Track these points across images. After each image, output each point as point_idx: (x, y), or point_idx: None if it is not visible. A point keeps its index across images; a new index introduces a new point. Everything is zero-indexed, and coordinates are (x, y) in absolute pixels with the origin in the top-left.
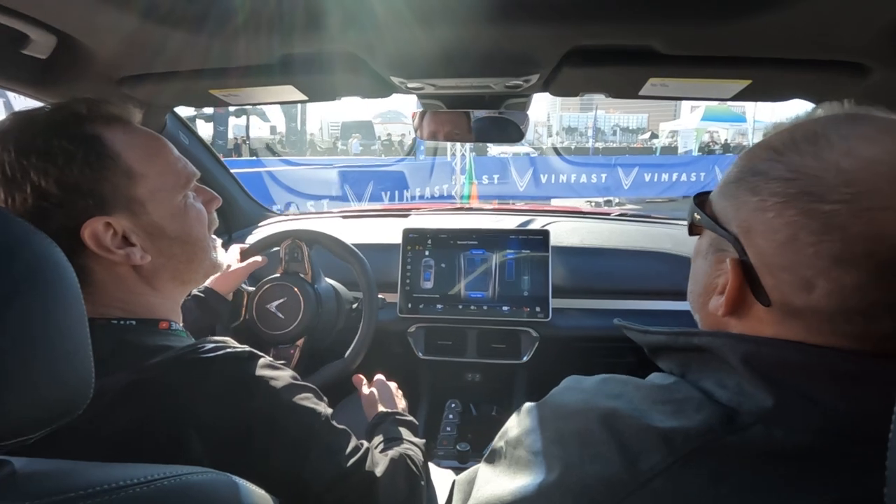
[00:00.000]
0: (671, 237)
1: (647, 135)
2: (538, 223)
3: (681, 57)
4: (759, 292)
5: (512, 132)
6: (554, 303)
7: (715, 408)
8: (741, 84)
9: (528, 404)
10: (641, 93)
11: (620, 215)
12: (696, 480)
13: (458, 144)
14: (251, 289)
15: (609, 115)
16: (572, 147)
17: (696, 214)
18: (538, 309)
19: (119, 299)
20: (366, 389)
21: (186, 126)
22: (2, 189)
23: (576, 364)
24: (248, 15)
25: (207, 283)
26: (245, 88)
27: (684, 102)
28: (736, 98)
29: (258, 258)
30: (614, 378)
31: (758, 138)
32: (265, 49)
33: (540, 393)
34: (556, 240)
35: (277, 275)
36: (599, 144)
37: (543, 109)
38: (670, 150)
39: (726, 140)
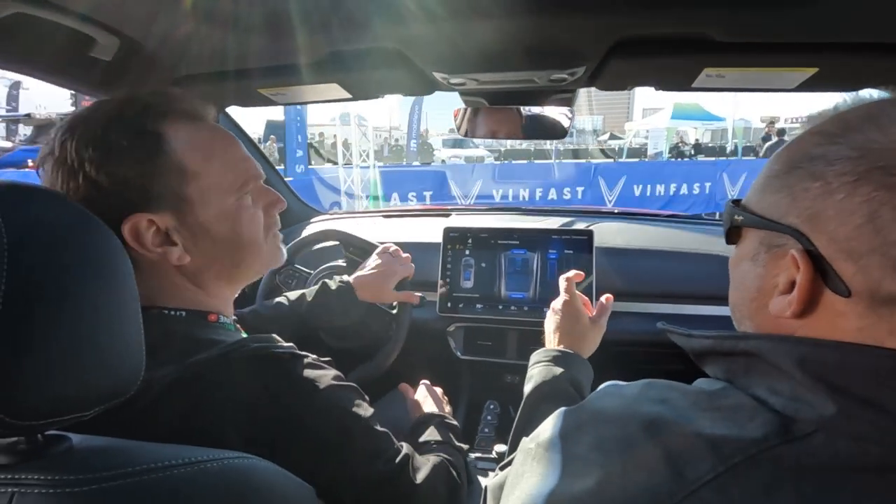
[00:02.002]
0: (723, 239)
1: (606, 136)
2: (582, 224)
3: (739, 44)
4: (834, 282)
5: (556, 129)
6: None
7: (769, 415)
8: (806, 73)
9: (563, 408)
10: (695, 84)
11: (671, 216)
12: (748, 491)
13: (354, 149)
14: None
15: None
16: (532, 150)
17: (737, 217)
18: None
19: (166, 291)
20: (413, 394)
21: (237, 127)
22: (60, 175)
23: (619, 369)
24: (296, 14)
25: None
26: (292, 87)
27: (637, 103)
28: (800, 88)
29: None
30: (658, 383)
31: (738, 137)
32: (311, 47)
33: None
34: (601, 241)
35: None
36: (560, 146)
37: None
38: (637, 151)
39: (697, 140)
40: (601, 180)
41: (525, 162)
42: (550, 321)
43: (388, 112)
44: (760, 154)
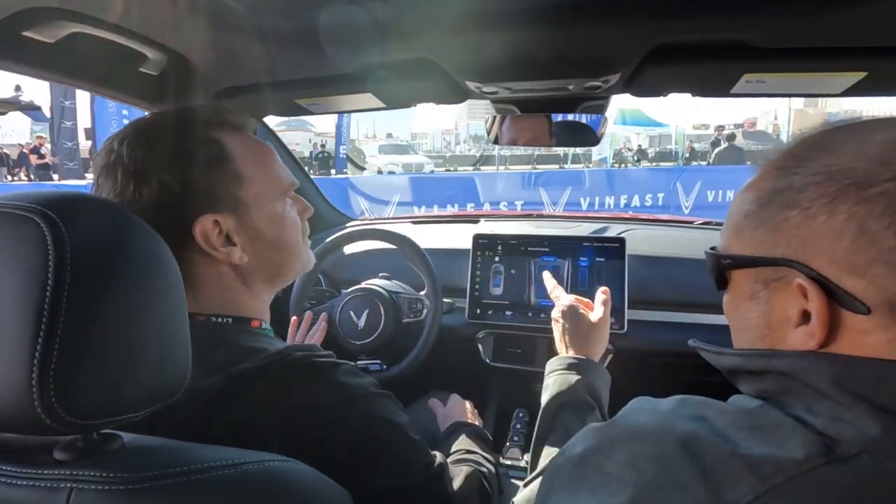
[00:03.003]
0: None
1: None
2: (614, 230)
3: (780, 50)
4: (848, 302)
5: (588, 136)
6: (630, 314)
7: (809, 435)
8: (854, 77)
9: (593, 424)
10: (734, 90)
11: (704, 223)
12: None
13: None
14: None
15: None
16: (477, 155)
17: (724, 261)
18: (613, 320)
19: (217, 296)
20: (442, 408)
21: (274, 135)
22: (131, 182)
23: (654, 380)
24: (332, 28)
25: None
26: (327, 97)
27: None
28: (847, 93)
29: (322, 321)
30: (692, 399)
31: (679, 142)
32: (347, 59)
33: (614, 409)
34: (633, 248)
35: (361, 286)
36: (506, 152)
37: (451, 118)
38: (583, 157)
39: (640, 146)
40: (542, 191)
41: (470, 171)
42: (556, 330)
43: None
44: (711, 160)
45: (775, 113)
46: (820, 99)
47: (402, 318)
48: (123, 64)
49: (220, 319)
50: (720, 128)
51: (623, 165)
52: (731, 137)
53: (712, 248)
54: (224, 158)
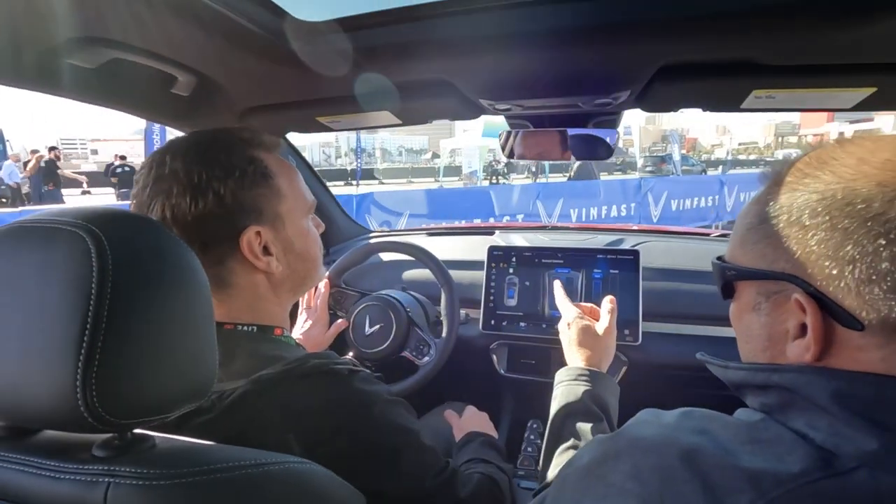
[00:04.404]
0: None
1: (430, 155)
2: (629, 242)
3: (789, 67)
4: (844, 318)
5: (601, 148)
6: (645, 326)
7: (809, 449)
8: (864, 92)
9: (600, 435)
10: (744, 106)
11: (721, 235)
12: None
13: None
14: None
15: (394, 138)
16: (360, 168)
17: (728, 272)
18: (627, 332)
19: (249, 303)
20: (458, 418)
21: (295, 150)
22: (188, 194)
23: (669, 393)
24: (352, 51)
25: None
26: (346, 115)
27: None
28: (858, 108)
29: (340, 321)
30: (696, 412)
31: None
32: (366, 80)
33: (627, 420)
34: (648, 260)
35: (374, 294)
36: (386, 165)
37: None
38: (453, 169)
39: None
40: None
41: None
42: (563, 341)
43: None
44: (573, 170)
45: (625, 129)
46: (657, 116)
47: (404, 350)
48: (156, 86)
49: (245, 328)
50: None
51: (495, 180)
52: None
53: (719, 258)
54: (268, 175)
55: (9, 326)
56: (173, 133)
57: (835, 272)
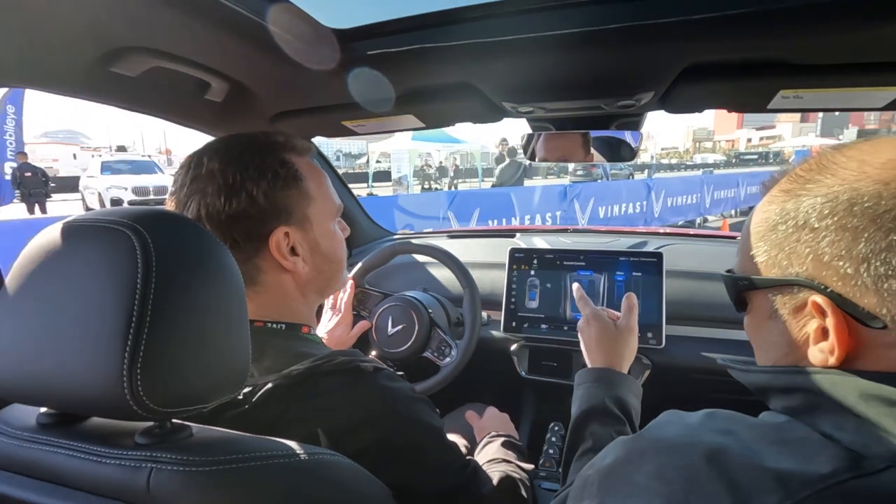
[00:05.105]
0: None
1: (364, 159)
2: (653, 245)
3: (818, 66)
4: (865, 317)
5: (624, 151)
6: (669, 329)
7: (836, 450)
8: (895, 92)
9: (622, 437)
10: (771, 106)
11: None
12: None
13: None
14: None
15: (330, 141)
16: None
17: (741, 284)
18: (650, 335)
19: (277, 301)
20: (479, 419)
21: (320, 154)
22: (222, 194)
23: (692, 397)
24: (378, 57)
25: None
26: (372, 119)
27: None
28: (890, 107)
29: (363, 322)
30: (720, 413)
31: (477, 160)
32: (391, 84)
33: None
34: (672, 263)
35: (397, 295)
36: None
37: None
38: (383, 174)
39: (441, 162)
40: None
41: None
42: (582, 341)
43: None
44: (495, 175)
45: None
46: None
47: (425, 350)
48: (191, 93)
49: (275, 325)
50: (503, 142)
51: (427, 186)
52: (513, 152)
53: (729, 271)
54: (299, 178)
55: (62, 319)
56: (30, 114)
57: (850, 271)
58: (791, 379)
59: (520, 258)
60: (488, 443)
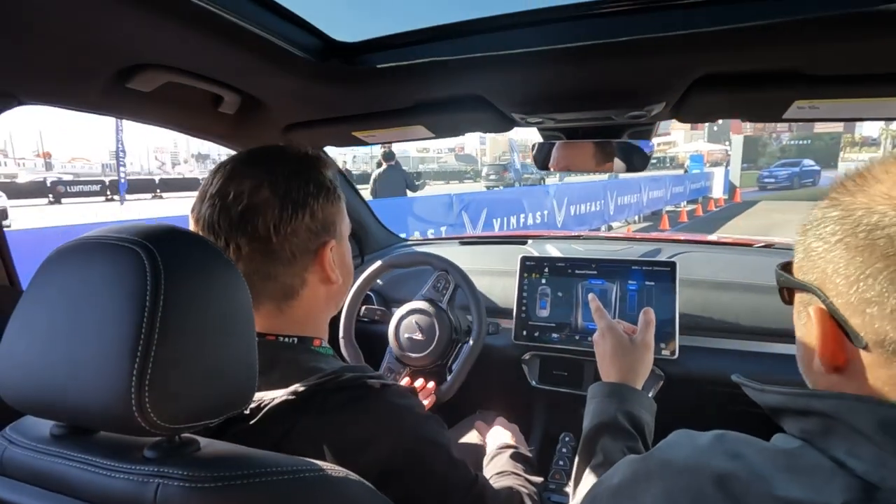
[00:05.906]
0: None
1: None
2: (667, 252)
3: (833, 76)
4: (851, 334)
5: (637, 159)
6: (683, 340)
7: (849, 480)
8: None
9: (631, 455)
10: (786, 116)
11: (765, 246)
12: None
13: None
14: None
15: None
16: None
17: (780, 279)
18: (663, 346)
19: (308, 314)
20: (487, 430)
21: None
22: (290, 207)
23: (706, 409)
24: (389, 70)
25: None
26: (382, 129)
27: None
28: None
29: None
30: (731, 436)
31: (428, 159)
32: (402, 97)
33: (663, 437)
34: (686, 272)
35: (419, 301)
36: None
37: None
38: None
39: (345, 164)
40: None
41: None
42: (597, 354)
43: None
44: (371, 187)
45: (481, 139)
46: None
47: (443, 359)
48: (204, 106)
49: (286, 339)
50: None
51: None
52: (389, 156)
53: (780, 264)
54: (338, 193)
55: (74, 335)
56: None
57: (843, 289)
58: (807, 402)
59: (531, 266)
60: (497, 454)
